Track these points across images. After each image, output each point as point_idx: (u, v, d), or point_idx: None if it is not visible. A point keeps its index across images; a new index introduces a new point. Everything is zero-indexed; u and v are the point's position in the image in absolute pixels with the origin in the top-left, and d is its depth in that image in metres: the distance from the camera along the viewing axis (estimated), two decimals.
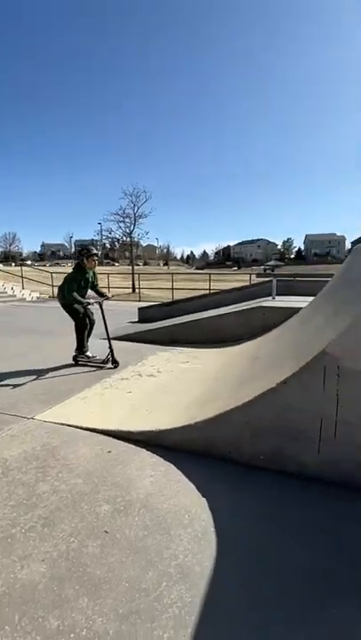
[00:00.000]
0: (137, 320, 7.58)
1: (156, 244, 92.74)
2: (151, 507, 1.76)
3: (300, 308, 4.77)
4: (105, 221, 24.55)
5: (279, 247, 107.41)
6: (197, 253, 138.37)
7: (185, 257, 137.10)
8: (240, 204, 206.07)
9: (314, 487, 1.94)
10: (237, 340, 5.08)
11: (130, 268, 23.97)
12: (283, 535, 1.60)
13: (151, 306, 8.15)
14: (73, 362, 4.35)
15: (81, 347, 4.45)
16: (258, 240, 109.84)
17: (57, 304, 4.54)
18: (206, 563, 1.44)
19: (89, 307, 4.28)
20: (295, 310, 5.03)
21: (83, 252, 4.40)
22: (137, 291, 17.85)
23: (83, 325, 4.41)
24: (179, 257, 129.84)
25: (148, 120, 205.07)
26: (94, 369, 4.13)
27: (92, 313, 4.53)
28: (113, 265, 60.78)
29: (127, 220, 23.45)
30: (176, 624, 1.18)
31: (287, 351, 2.87)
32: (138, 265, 38.38)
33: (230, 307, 6.49)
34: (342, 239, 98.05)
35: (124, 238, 25.00)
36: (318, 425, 2.00)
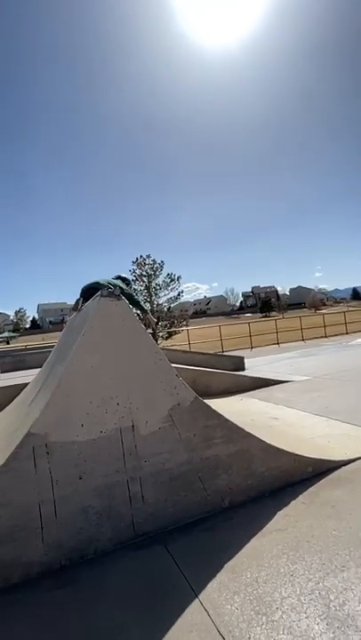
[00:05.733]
0: None
1: None
2: None
3: (27, 384, 4.60)
4: None
5: (12, 318, 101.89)
6: None
7: None
8: None
9: (37, 590, 1.78)
10: None
11: None
12: None
13: None
14: None
15: None
16: None
17: None
18: None
19: None
20: (22, 387, 4.81)
21: (131, 281, 3.28)
22: None
23: None
24: None
25: None
26: None
27: None
28: None
29: None
30: None
31: (3, 439, 2.63)
32: None
33: None
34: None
35: None
36: (38, 512, 1.90)
